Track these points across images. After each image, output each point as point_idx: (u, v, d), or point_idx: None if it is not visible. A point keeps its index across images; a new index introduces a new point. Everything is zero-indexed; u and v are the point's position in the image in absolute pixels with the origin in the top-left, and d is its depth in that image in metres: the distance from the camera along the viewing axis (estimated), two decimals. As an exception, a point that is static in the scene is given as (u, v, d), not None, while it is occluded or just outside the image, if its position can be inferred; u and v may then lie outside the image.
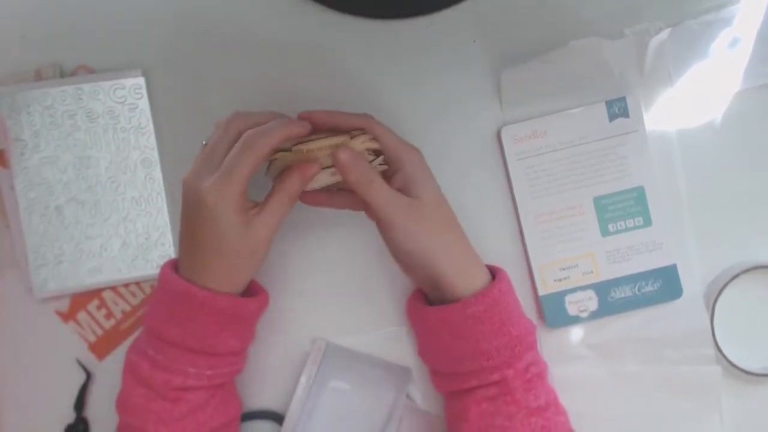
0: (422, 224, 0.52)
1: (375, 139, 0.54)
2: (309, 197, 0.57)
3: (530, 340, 0.53)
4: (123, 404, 0.53)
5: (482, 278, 0.54)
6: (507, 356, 0.51)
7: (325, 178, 0.53)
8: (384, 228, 0.53)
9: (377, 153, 0.54)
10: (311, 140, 0.52)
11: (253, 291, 0.56)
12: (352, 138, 0.53)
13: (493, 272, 0.55)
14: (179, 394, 0.51)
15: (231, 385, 0.57)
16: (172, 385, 0.51)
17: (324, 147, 0.52)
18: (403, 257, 0.54)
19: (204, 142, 0.54)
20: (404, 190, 0.53)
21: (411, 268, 0.55)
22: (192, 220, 0.51)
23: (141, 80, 0.61)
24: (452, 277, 0.53)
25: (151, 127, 0.62)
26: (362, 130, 0.53)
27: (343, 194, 0.57)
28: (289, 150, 0.52)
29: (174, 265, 0.54)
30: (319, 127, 0.54)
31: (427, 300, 0.57)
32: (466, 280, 0.53)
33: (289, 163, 0.52)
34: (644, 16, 0.62)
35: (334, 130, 0.54)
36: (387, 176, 0.54)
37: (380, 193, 0.52)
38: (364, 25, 0.63)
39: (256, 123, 0.52)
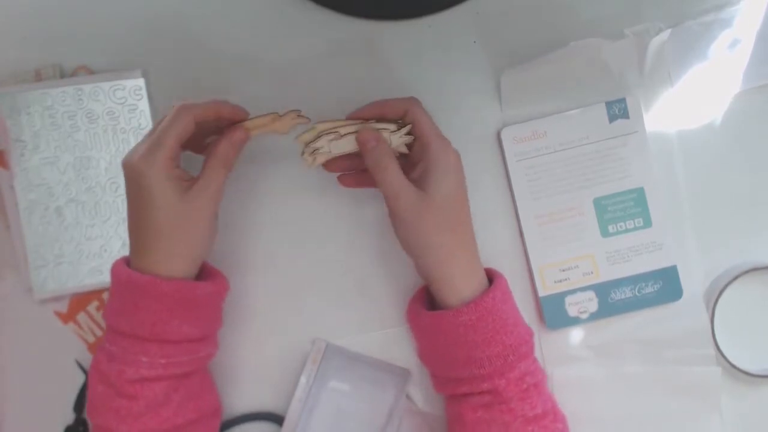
0: (426, 220, 0.52)
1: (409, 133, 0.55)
2: (347, 180, 0.58)
3: (525, 349, 0.53)
4: (89, 404, 0.52)
5: (478, 286, 0.53)
6: (499, 365, 0.51)
7: (349, 144, 0.54)
8: (389, 214, 0.54)
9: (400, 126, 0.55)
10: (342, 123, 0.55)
11: (209, 275, 0.55)
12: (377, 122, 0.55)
13: (492, 278, 0.55)
14: (135, 389, 0.50)
15: (202, 377, 0.55)
16: (126, 377, 0.50)
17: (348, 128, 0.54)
18: (405, 247, 0.54)
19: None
20: (420, 181, 0.53)
21: (414, 260, 0.55)
22: (130, 198, 0.51)
23: (141, 81, 0.61)
24: (447, 281, 0.53)
25: (150, 128, 0.62)
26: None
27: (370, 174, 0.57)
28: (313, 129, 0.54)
29: (127, 260, 0.53)
30: (371, 118, 0.55)
31: (431, 301, 0.57)
32: (461, 287, 0.53)
33: (320, 133, 0.54)
34: (644, 17, 0.62)
35: (382, 119, 0.55)
36: (414, 162, 0.54)
37: (392, 179, 0.52)
38: (364, 26, 0.63)
39: (202, 115, 0.52)
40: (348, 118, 0.55)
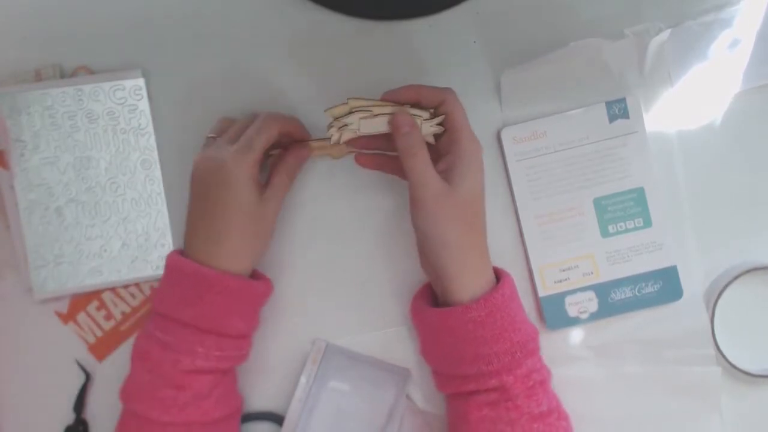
0: (446, 212, 0.52)
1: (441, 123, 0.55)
2: (364, 159, 0.58)
3: (532, 346, 0.53)
4: (130, 391, 0.53)
5: (486, 282, 0.53)
6: (507, 362, 0.51)
7: (380, 125, 0.54)
8: (411, 201, 0.53)
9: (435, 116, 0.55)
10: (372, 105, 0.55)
11: (258, 277, 0.58)
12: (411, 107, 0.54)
13: (499, 276, 0.55)
14: (186, 379, 0.52)
15: (234, 377, 0.57)
16: (181, 367, 0.52)
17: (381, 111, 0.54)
18: (420, 238, 0.54)
19: (211, 135, 0.58)
20: (446, 173, 0.53)
21: (425, 254, 0.55)
22: (208, 193, 0.53)
23: (141, 81, 0.61)
24: (457, 277, 0.52)
25: (150, 128, 0.62)
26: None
27: (394, 161, 0.57)
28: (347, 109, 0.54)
29: (180, 253, 0.55)
30: (405, 102, 0.55)
31: (434, 299, 0.57)
32: (470, 283, 0.53)
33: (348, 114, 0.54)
34: (644, 17, 0.62)
35: (418, 105, 0.55)
36: (440, 153, 0.55)
37: (419, 166, 0.52)
38: (364, 25, 0.63)
39: (287, 127, 0.58)
40: (382, 99, 0.54)
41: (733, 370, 0.60)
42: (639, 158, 0.61)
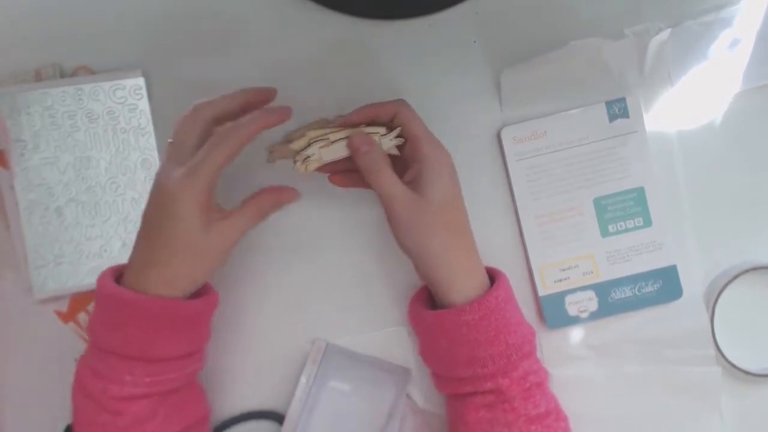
0: (422, 223, 0.52)
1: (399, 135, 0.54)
2: (338, 179, 0.57)
3: (527, 348, 0.53)
4: (73, 417, 0.51)
5: (480, 285, 0.53)
6: (502, 364, 0.51)
7: (341, 150, 0.54)
8: (387, 217, 0.53)
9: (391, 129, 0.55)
10: (316, 128, 0.54)
11: (201, 291, 0.53)
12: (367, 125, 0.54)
13: (494, 277, 0.55)
14: (120, 406, 0.49)
15: (189, 389, 0.54)
16: (111, 395, 0.49)
17: (327, 137, 0.54)
18: (403, 250, 0.54)
19: (169, 140, 0.52)
20: (414, 183, 0.53)
21: (413, 262, 0.55)
22: (153, 214, 0.50)
23: (141, 81, 0.61)
24: (447, 281, 0.52)
25: (151, 128, 0.62)
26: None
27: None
28: (287, 142, 0.54)
29: (114, 272, 0.52)
30: (361, 123, 0.54)
31: (431, 300, 0.57)
32: (462, 287, 0.52)
33: (290, 150, 0.54)
34: (644, 17, 0.62)
35: (372, 123, 0.55)
36: (406, 164, 0.55)
37: (384, 181, 0.52)
38: (364, 25, 0.63)
39: (225, 109, 0.52)
40: (338, 125, 0.55)
41: (733, 370, 0.60)
42: (639, 158, 0.61)
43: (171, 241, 0.49)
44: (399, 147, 0.55)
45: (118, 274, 0.51)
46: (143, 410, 0.50)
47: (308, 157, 0.54)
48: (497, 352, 0.51)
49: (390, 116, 0.54)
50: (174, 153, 0.50)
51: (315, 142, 0.54)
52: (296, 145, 0.54)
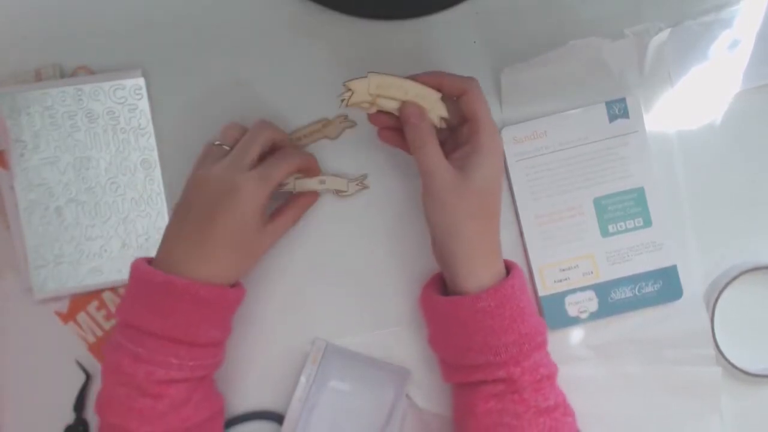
0: (458, 202, 0.52)
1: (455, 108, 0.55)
2: (386, 134, 0.57)
3: (540, 339, 0.53)
4: (104, 405, 0.52)
5: (496, 273, 0.53)
6: (514, 353, 0.51)
7: (394, 106, 0.54)
8: (422, 191, 0.54)
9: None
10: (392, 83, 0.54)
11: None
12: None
13: (508, 267, 0.55)
14: (162, 389, 0.51)
15: (211, 380, 0.57)
16: (155, 378, 0.51)
17: (395, 94, 0.54)
18: (432, 227, 0.54)
19: (216, 143, 0.56)
20: (462, 163, 0.53)
21: (436, 243, 0.55)
22: (213, 212, 0.53)
23: (141, 81, 0.61)
24: (467, 266, 0.52)
25: (151, 128, 0.62)
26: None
27: None
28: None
29: (147, 262, 0.54)
30: (426, 85, 0.54)
31: (444, 288, 0.57)
32: (480, 274, 0.52)
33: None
34: (644, 17, 0.62)
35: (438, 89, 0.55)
36: (459, 143, 0.55)
37: (429, 157, 0.53)
38: (364, 25, 0.63)
39: (280, 134, 0.58)
40: (405, 77, 0.54)
41: (733, 370, 0.60)
42: (639, 158, 0.61)
43: (232, 234, 0.53)
44: (454, 126, 0.55)
45: (152, 265, 0.54)
46: (181, 394, 0.52)
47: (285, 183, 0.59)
48: (510, 341, 0.51)
49: (457, 92, 0.54)
50: (242, 154, 0.54)
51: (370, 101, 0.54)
52: (355, 84, 0.53)
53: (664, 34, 0.61)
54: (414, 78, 0.54)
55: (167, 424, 0.51)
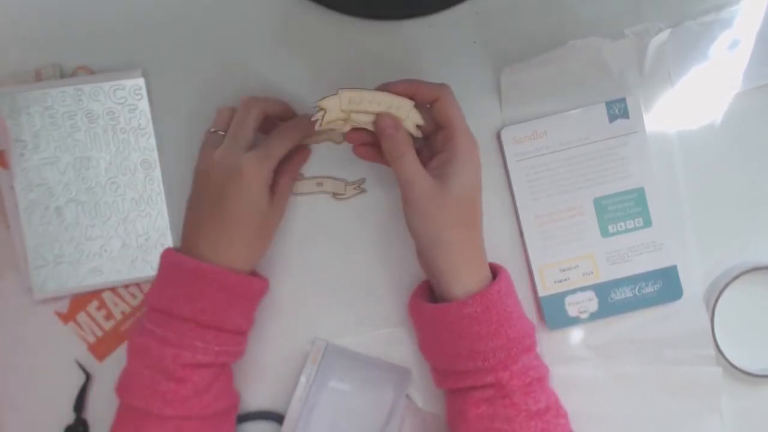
0: (438, 211, 0.52)
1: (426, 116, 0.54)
2: (362, 150, 0.57)
3: (528, 342, 0.53)
4: (128, 387, 0.53)
5: (482, 278, 0.53)
6: (502, 358, 0.51)
7: (368, 119, 0.54)
8: (402, 201, 0.54)
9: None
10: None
11: (254, 275, 0.58)
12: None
13: (495, 271, 0.55)
14: (187, 373, 0.52)
15: (230, 374, 0.58)
16: (182, 361, 0.52)
17: (368, 107, 0.54)
18: (414, 236, 0.54)
19: (212, 130, 0.58)
20: (439, 171, 0.53)
21: (420, 252, 0.55)
22: (222, 197, 0.54)
23: (141, 81, 0.61)
24: (451, 273, 0.53)
25: (150, 128, 0.62)
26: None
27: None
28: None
29: (175, 252, 0.56)
30: (399, 94, 0.54)
31: (432, 295, 0.57)
32: (466, 279, 0.53)
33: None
34: (644, 17, 0.62)
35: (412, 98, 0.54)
36: (435, 150, 0.55)
37: (406, 167, 0.52)
38: (364, 26, 0.63)
39: (270, 106, 0.58)
40: (377, 89, 0.54)
41: (733, 370, 0.60)
42: (639, 158, 0.61)
43: (245, 219, 0.54)
44: (429, 135, 0.55)
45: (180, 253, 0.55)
46: (204, 380, 0.53)
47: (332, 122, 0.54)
48: (498, 346, 0.51)
49: (430, 99, 0.54)
50: (235, 138, 0.55)
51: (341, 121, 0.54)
52: (327, 102, 0.53)
53: (664, 34, 0.61)
54: (386, 88, 0.54)
55: (189, 409, 0.52)
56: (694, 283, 0.61)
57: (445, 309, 0.53)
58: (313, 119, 0.53)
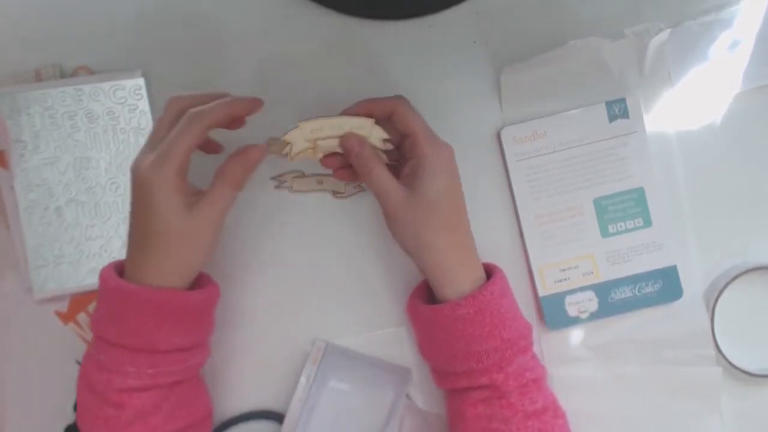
0: (416, 218, 0.52)
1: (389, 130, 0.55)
2: (342, 173, 0.57)
3: (523, 343, 0.53)
4: (78, 412, 0.51)
5: (476, 280, 0.53)
6: (497, 359, 0.51)
7: (334, 144, 0.55)
8: (383, 213, 0.54)
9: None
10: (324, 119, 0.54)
11: (201, 283, 0.54)
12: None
13: (490, 272, 0.55)
14: (123, 398, 0.49)
15: (194, 385, 0.54)
16: (114, 387, 0.49)
17: (331, 133, 0.54)
18: (401, 245, 0.55)
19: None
20: (410, 178, 0.53)
21: (411, 257, 0.55)
22: (135, 205, 0.50)
23: (141, 81, 0.61)
24: (443, 277, 0.53)
25: (150, 128, 0.62)
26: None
27: None
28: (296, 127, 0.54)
29: (116, 266, 0.52)
30: (358, 115, 0.55)
31: (430, 296, 0.57)
32: (458, 282, 0.53)
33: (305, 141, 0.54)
34: (644, 17, 0.62)
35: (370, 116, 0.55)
36: (406, 158, 0.55)
37: (377, 181, 0.52)
38: (364, 26, 0.63)
39: (197, 103, 0.51)
40: (338, 114, 0.55)
41: (733, 370, 0.60)
42: (639, 158, 0.61)
43: (156, 228, 0.49)
44: (401, 142, 0.55)
45: (120, 268, 0.52)
46: (146, 404, 0.50)
47: (283, 181, 0.59)
48: (492, 347, 0.51)
49: (387, 114, 0.54)
50: (147, 143, 0.51)
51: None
52: (290, 136, 0.54)
53: (664, 35, 0.61)
54: (344, 113, 0.55)
55: None
56: (694, 283, 0.61)
57: (438, 310, 0.53)
58: (283, 153, 0.54)
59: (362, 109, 0.55)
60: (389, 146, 0.56)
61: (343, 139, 0.54)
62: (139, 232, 0.50)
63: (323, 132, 0.54)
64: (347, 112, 0.55)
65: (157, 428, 0.50)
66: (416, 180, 0.52)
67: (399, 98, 0.55)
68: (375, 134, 0.55)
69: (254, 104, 0.53)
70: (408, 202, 0.52)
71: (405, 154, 0.55)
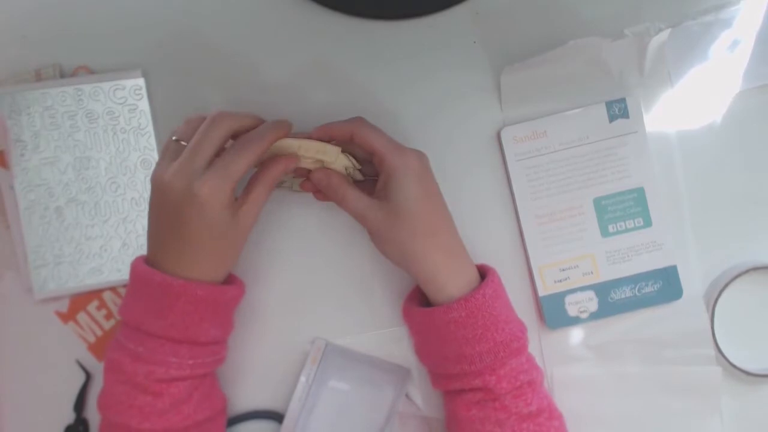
0: (393, 231, 0.53)
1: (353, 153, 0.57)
2: (320, 197, 0.58)
3: (517, 345, 0.53)
4: (105, 403, 0.53)
5: (467, 283, 0.53)
6: (489, 361, 0.51)
7: (308, 162, 0.56)
8: (368, 234, 0.55)
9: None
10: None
11: (229, 280, 0.57)
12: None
13: (484, 274, 0.55)
14: (162, 387, 0.51)
15: (213, 378, 0.57)
16: (155, 377, 0.51)
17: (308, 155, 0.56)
18: (389, 259, 0.55)
19: (173, 138, 0.54)
20: (384, 192, 0.54)
21: (402, 269, 0.56)
22: (180, 217, 0.51)
23: (141, 81, 0.61)
24: (432, 282, 0.53)
25: (150, 128, 0.62)
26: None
27: None
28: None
29: (145, 260, 0.54)
30: (320, 140, 0.56)
31: (426, 298, 0.57)
32: (448, 286, 0.53)
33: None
34: (644, 17, 0.62)
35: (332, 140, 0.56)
36: (378, 171, 0.55)
37: (352, 203, 0.54)
38: (364, 26, 0.63)
39: (240, 123, 0.54)
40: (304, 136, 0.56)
41: (733, 370, 0.60)
42: (639, 158, 0.61)
43: (207, 237, 0.51)
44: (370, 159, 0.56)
45: (147, 263, 0.53)
46: (182, 392, 0.52)
47: (283, 182, 0.60)
48: (485, 350, 0.51)
49: (346, 137, 0.55)
50: (191, 157, 0.51)
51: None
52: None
53: (664, 34, 0.61)
54: (308, 136, 0.56)
55: (167, 421, 0.52)
56: (694, 283, 0.61)
57: (431, 313, 0.53)
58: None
59: (322, 133, 0.55)
60: (358, 166, 0.57)
61: (311, 175, 0.56)
62: (181, 237, 0.51)
63: (290, 152, 0.55)
64: (310, 136, 0.56)
65: (189, 417, 0.53)
66: (389, 193, 0.53)
67: (355, 121, 0.55)
68: (341, 159, 0.56)
69: (290, 125, 0.55)
70: (385, 216, 0.53)
71: (377, 166, 0.56)
